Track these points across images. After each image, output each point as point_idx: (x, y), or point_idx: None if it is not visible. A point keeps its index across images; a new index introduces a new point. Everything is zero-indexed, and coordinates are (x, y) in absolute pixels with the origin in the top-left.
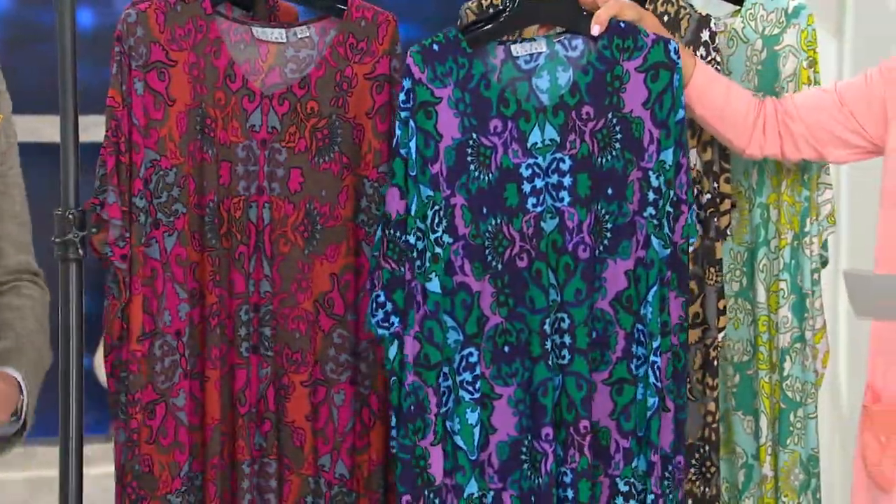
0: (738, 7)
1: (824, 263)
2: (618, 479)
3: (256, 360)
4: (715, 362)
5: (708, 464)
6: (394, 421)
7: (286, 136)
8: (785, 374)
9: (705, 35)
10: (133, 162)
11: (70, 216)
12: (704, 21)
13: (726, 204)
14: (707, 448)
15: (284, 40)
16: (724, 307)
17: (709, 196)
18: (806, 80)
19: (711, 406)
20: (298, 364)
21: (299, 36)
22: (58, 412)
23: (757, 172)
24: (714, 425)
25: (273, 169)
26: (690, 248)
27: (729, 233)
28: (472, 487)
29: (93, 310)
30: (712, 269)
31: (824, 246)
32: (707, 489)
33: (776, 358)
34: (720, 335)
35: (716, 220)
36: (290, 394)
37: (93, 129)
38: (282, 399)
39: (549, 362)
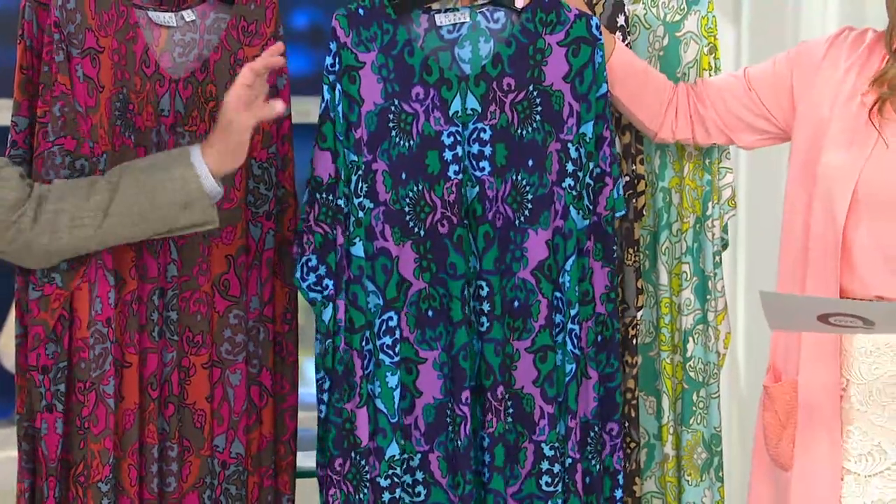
0: None
1: (725, 246)
2: (543, 444)
3: (163, 345)
4: (634, 340)
5: (628, 439)
6: (327, 384)
7: (189, 120)
8: (688, 355)
9: (621, 20)
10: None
11: None
12: (619, 6)
13: (642, 185)
14: (626, 424)
15: (174, 24)
16: (642, 286)
17: (627, 178)
18: (707, 66)
19: (630, 383)
20: (199, 346)
21: (186, 20)
22: None
23: (659, 157)
24: (634, 402)
25: None
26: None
27: (644, 213)
28: (394, 450)
29: None
30: (630, 250)
31: (725, 229)
32: (627, 464)
33: (679, 339)
34: (638, 314)
35: (634, 201)
36: (190, 376)
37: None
38: (183, 382)
39: (469, 327)
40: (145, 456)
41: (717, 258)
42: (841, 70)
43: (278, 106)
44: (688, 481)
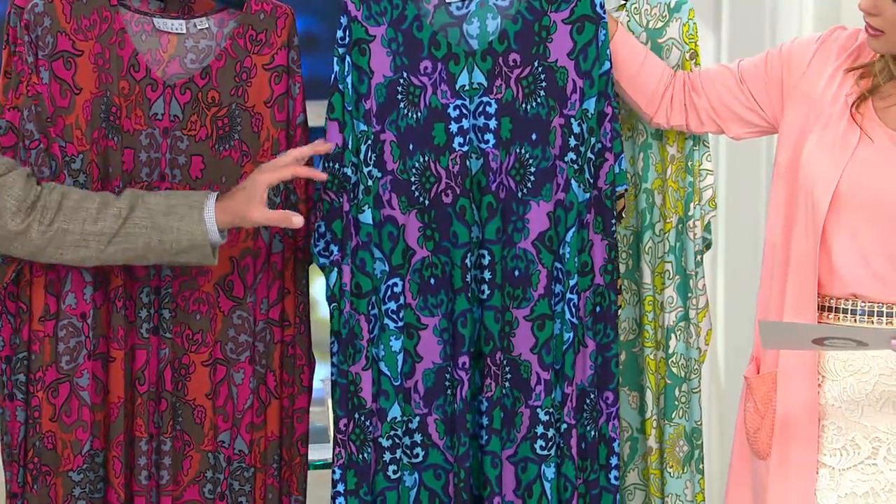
0: (623, 2)
1: (708, 246)
2: (539, 410)
3: (156, 341)
4: None
5: None
6: (335, 347)
7: (188, 124)
8: (670, 351)
9: None
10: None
11: None
12: None
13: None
14: None
15: (184, 31)
16: (620, 287)
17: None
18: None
19: None
20: (199, 344)
21: (199, 27)
22: None
23: (642, 159)
24: None
25: (175, 156)
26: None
27: (623, 216)
28: (396, 412)
29: None
30: None
31: (707, 228)
32: None
33: (661, 336)
34: None
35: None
36: (190, 373)
37: None
38: (182, 378)
39: (469, 294)
40: (134, 449)
41: (699, 257)
42: (829, 69)
43: (296, 219)
44: (670, 473)
